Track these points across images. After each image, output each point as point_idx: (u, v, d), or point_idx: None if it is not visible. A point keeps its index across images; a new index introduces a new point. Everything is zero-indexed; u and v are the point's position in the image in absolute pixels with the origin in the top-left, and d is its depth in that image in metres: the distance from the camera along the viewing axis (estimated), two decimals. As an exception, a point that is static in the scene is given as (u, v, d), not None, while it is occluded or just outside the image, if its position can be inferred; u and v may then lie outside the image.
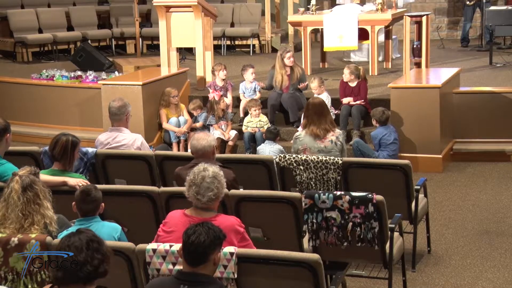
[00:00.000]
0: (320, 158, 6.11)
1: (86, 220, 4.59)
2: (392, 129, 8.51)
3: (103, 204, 4.72)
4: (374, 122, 8.59)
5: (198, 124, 9.35)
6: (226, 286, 4.11)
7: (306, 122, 6.71)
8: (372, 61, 11.05)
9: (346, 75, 9.30)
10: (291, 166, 6.17)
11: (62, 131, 6.13)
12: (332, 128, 6.64)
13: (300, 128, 7.32)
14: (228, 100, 9.73)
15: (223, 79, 9.74)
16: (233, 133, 9.37)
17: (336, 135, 6.62)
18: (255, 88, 9.79)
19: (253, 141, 9.11)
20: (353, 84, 9.28)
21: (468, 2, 13.97)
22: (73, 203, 4.66)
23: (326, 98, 9.29)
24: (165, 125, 9.40)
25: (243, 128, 9.25)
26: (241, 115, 9.70)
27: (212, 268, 3.63)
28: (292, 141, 7.04)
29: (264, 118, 9.26)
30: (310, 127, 6.61)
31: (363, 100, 9.15)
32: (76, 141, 5.52)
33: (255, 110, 9.20)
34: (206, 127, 9.35)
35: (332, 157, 6.14)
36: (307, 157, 6.15)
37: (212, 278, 3.64)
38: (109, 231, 4.55)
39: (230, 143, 9.35)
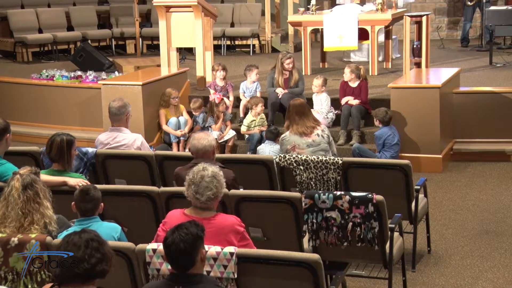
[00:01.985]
0: (320, 158, 6.11)
1: (85, 220, 4.59)
2: (395, 130, 8.51)
3: (102, 204, 4.72)
4: (376, 123, 8.58)
5: (195, 128, 9.31)
6: (226, 286, 4.11)
7: (288, 123, 6.87)
8: (372, 61, 11.04)
9: (347, 74, 9.29)
10: (291, 166, 6.17)
11: (62, 131, 6.12)
12: (317, 124, 6.83)
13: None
14: (230, 100, 9.73)
15: (222, 79, 9.73)
16: (232, 133, 9.36)
17: (321, 128, 6.80)
18: (256, 88, 9.79)
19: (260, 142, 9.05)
20: (354, 84, 9.27)
21: (468, 2, 13.96)
22: (73, 203, 4.67)
23: (325, 98, 9.31)
24: (164, 127, 9.39)
25: (244, 128, 9.20)
26: (241, 115, 9.70)
27: (201, 266, 3.62)
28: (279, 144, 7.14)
29: (263, 115, 9.27)
30: (294, 127, 6.77)
31: (361, 101, 9.14)
32: (71, 140, 5.51)
33: (261, 107, 9.18)
34: (205, 128, 9.34)
35: (332, 157, 6.14)
36: (307, 157, 6.15)
37: (205, 276, 3.65)
38: (108, 231, 4.55)
39: (229, 143, 9.34)
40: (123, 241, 4.59)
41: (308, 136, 6.72)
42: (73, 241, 3.28)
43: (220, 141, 9.18)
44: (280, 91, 9.36)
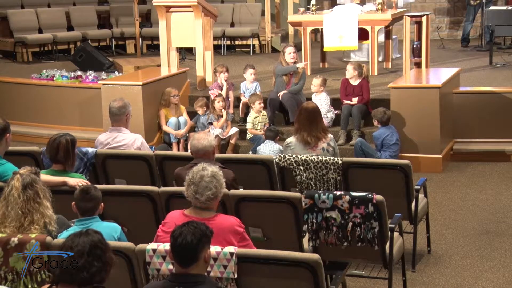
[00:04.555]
0: (320, 158, 6.10)
1: (85, 220, 4.59)
2: (393, 129, 8.51)
3: (102, 204, 4.72)
4: (375, 123, 8.59)
5: (206, 130, 9.24)
6: (226, 286, 4.11)
7: (297, 127, 6.52)
8: (372, 61, 11.04)
9: (350, 71, 9.27)
10: (291, 166, 6.16)
11: (62, 131, 6.12)
12: (324, 135, 6.47)
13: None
14: (230, 100, 9.73)
15: (225, 80, 9.73)
16: (234, 129, 9.35)
17: (327, 141, 6.46)
18: (255, 88, 9.80)
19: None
20: (355, 82, 9.27)
21: (472, 2, 13.93)
22: (73, 203, 4.67)
23: (325, 98, 9.32)
24: (164, 127, 9.39)
25: (250, 126, 9.18)
26: (241, 115, 9.69)
27: (203, 266, 3.63)
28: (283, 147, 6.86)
29: (265, 112, 9.28)
30: (301, 133, 6.44)
31: (364, 100, 9.14)
32: (74, 139, 5.55)
33: (260, 104, 9.17)
34: (206, 126, 9.35)
35: (332, 157, 6.14)
36: (307, 157, 6.14)
37: (206, 277, 3.64)
38: (108, 231, 4.54)
39: (232, 141, 9.33)
40: (123, 241, 4.59)
41: (313, 149, 6.41)
42: (77, 247, 3.28)
43: (223, 138, 9.19)
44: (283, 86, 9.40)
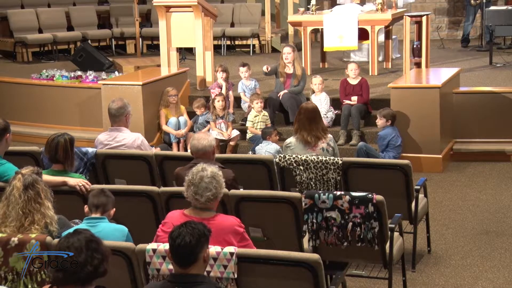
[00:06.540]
0: (320, 158, 6.10)
1: (94, 219, 4.64)
2: (397, 130, 8.51)
3: (114, 209, 4.77)
4: (381, 122, 8.50)
5: (204, 130, 9.25)
6: (226, 286, 4.11)
7: (297, 127, 6.51)
8: (372, 61, 11.04)
9: (354, 70, 9.24)
10: (291, 166, 6.16)
11: (62, 131, 6.12)
12: (323, 135, 6.46)
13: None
14: (230, 100, 9.73)
15: (225, 80, 9.73)
16: (235, 132, 9.36)
17: (327, 141, 6.45)
18: (254, 85, 9.80)
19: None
20: (354, 82, 9.27)
21: (472, 2, 13.92)
22: (85, 206, 4.73)
23: (324, 98, 9.31)
24: (164, 127, 9.40)
25: (249, 124, 9.19)
26: (246, 115, 9.65)
27: (202, 266, 3.62)
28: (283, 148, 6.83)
29: (266, 113, 9.28)
30: (301, 133, 6.43)
31: (364, 100, 9.14)
32: (73, 138, 5.56)
33: (257, 103, 9.18)
34: (204, 124, 9.36)
35: (332, 157, 6.14)
36: (307, 157, 6.14)
37: (205, 277, 3.64)
38: (116, 233, 4.58)
39: (232, 143, 9.33)
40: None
41: (312, 149, 6.40)
42: (73, 245, 3.29)
43: (226, 139, 9.19)
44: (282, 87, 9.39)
